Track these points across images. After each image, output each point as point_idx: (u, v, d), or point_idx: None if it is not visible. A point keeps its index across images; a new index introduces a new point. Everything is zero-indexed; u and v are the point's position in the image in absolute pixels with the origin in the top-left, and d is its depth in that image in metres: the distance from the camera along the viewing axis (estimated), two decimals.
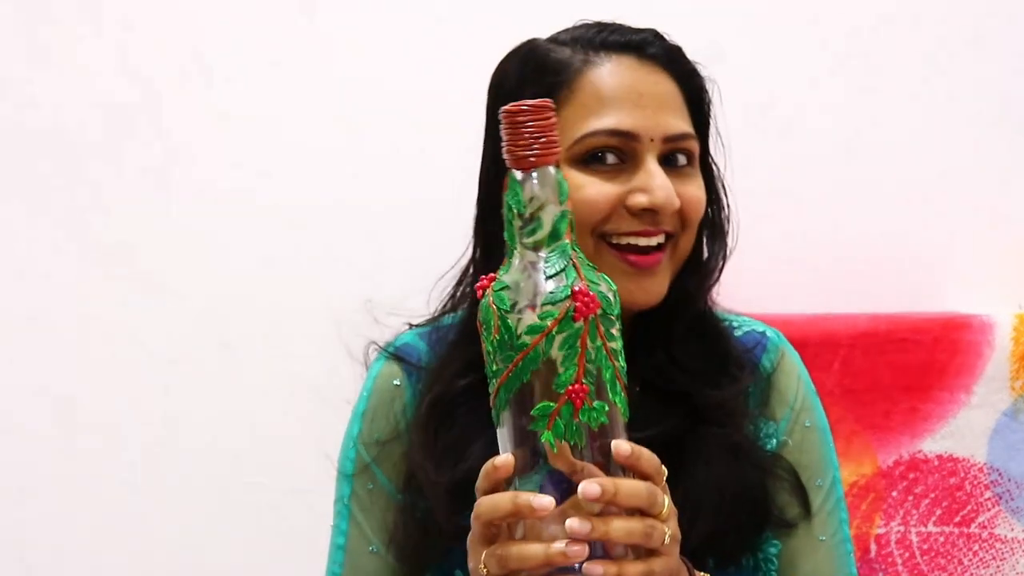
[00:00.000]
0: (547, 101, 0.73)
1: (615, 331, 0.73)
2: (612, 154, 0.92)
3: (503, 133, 0.73)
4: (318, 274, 1.51)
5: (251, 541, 1.51)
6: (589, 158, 0.92)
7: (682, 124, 0.94)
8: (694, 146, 0.95)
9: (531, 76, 0.95)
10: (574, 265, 0.72)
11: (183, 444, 1.51)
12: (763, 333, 1.04)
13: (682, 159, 0.94)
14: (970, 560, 1.34)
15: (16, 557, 1.51)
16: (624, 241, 0.92)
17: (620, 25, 0.97)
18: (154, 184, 1.51)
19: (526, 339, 0.71)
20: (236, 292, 1.52)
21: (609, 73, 0.93)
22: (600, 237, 0.92)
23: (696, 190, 0.95)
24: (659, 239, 0.92)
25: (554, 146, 0.73)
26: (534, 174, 0.74)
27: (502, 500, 0.71)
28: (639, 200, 0.90)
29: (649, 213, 0.91)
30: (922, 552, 1.35)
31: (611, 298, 0.73)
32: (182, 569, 1.52)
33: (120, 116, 1.51)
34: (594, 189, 0.92)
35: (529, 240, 0.74)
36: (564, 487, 0.71)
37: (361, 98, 1.49)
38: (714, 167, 1.00)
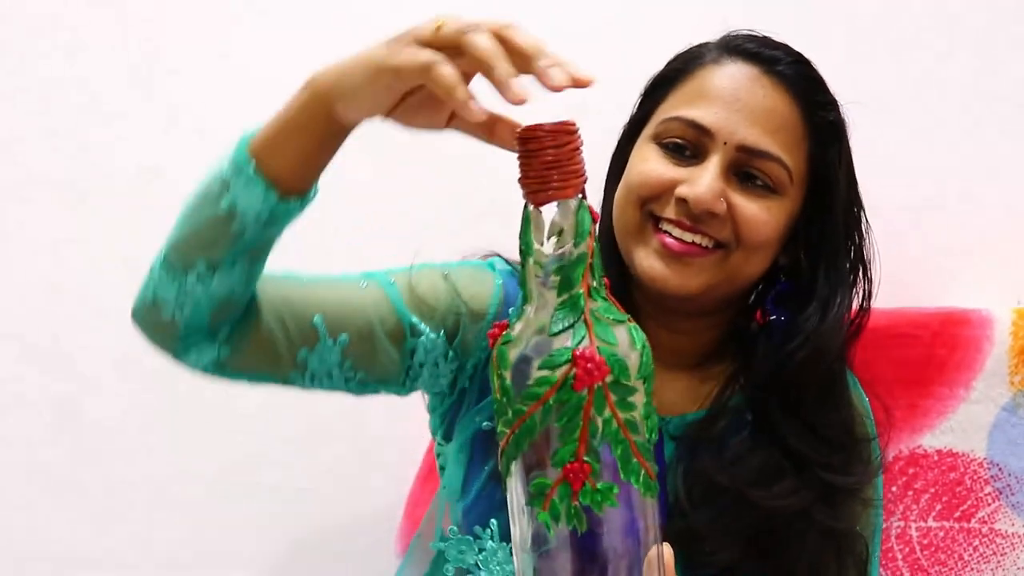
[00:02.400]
0: (568, 123, 0.64)
1: (634, 399, 0.62)
2: (684, 144, 0.93)
3: (518, 159, 0.64)
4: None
5: (258, 544, 1.52)
6: (666, 141, 0.94)
7: (769, 143, 0.92)
8: (776, 170, 0.93)
9: (673, 61, 1.00)
10: (585, 321, 0.62)
11: (191, 447, 1.51)
12: None
13: (759, 179, 0.93)
14: (970, 555, 1.34)
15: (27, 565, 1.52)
16: (664, 227, 0.93)
17: (768, 39, 0.97)
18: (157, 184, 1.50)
19: (522, 406, 0.62)
20: None
21: (724, 74, 0.95)
22: (648, 214, 0.94)
23: (756, 211, 0.93)
24: (696, 237, 0.93)
25: (572, 176, 0.63)
26: (549, 209, 0.64)
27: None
28: (680, 189, 0.92)
29: (686, 205, 0.91)
30: (922, 547, 1.34)
31: (628, 361, 0.62)
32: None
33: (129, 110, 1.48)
34: (654, 165, 0.94)
35: (542, 287, 0.64)
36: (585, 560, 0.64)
37: None
38: (838, 208, 0.97)
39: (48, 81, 1.46)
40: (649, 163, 0.94)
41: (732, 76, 0.94)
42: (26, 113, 1.47)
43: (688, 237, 0.93)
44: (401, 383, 1.00)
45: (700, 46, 0.99)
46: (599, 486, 0.62)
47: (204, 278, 0.83)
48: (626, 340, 0.63)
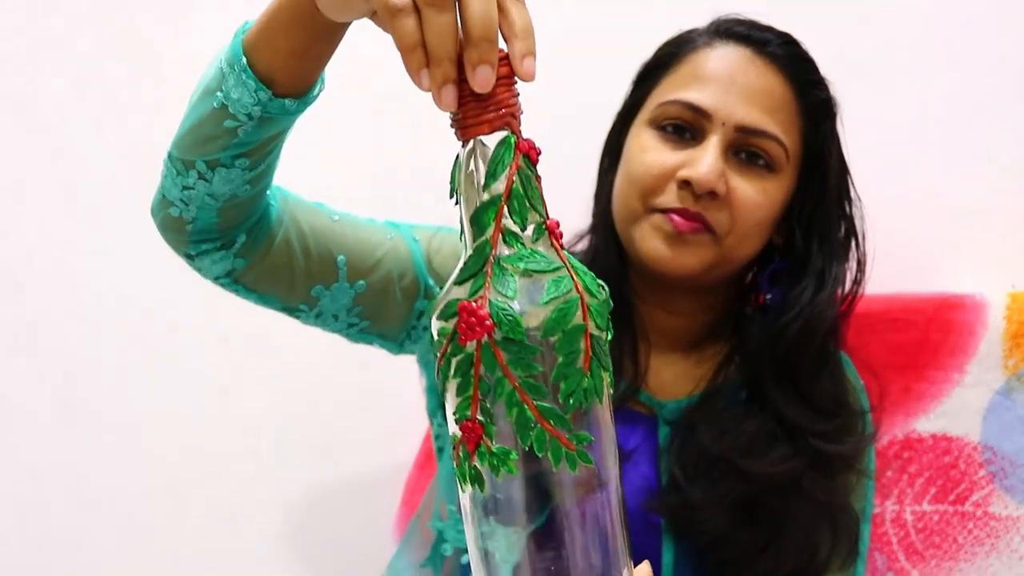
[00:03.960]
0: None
1: (536, 359, 0.56)
2: (683, 126, 0.94)
3: None
4: None
5: (253, 531, 1.52)
6: (664, 125, 0.94)
7: (766, 122, 0.94)
8: (774, 149, 0.94)
9: (664, 46, 1.01)
10: (486, 271, 0.56)
11: (184, 438, 1.52)
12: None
13: (757, 158, 0.94)
14: (964, 538, 1.34)
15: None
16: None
17: (756, 23, 0.99)
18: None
19: (435, 354, 0.59)
20: None
21: (716, 56, 0.96)
22: (649, 208, 0.96)
23: (752, 193, 0.94)
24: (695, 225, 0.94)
25: (487, 110, 0.56)
26: (471, 144, 0.58)
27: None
28: (682, 172, 0.92)
29: (689, 188, 0.92)
30: (917, 531, 1.35)
31: (524, 316, 0.55)
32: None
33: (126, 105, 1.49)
34: (655, 155, 0.95)
35: (463, 231, 0.59)
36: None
37: None
38: (831, 183, 0.99)
39: None
40: (650, 152, 0.95)
41: (725, 58, 0.95)
42: None
43: (686, 226, 0.94)
44: (399, 342, 1.01)
45: (690, 31, 1.00)
46: (495, 449, 0.56)
47: (205, 176, 0.80)
48: (534, 293, 0.56)
